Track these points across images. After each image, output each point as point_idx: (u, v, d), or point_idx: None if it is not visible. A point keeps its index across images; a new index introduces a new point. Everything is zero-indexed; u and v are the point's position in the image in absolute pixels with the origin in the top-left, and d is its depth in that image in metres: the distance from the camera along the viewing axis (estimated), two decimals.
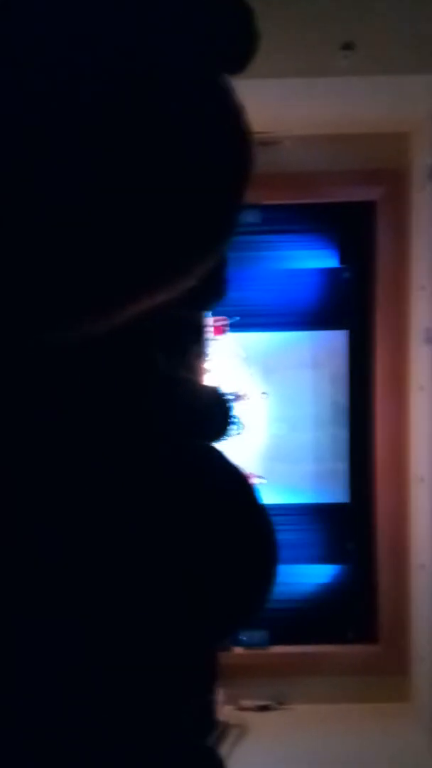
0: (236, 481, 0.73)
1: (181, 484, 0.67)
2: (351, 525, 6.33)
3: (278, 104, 4.59)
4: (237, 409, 5.71)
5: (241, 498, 0.72)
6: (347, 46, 4.20)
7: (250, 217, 5.57)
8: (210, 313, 5.49)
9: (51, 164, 0.42)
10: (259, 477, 5.98)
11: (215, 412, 1.08)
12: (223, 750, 4.96)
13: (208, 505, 0.67)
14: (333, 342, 6.28)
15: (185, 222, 0.49)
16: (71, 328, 0.50)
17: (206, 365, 5.42)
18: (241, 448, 5.90)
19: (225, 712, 5.53)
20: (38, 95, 0.42)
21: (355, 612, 6.27)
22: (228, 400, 1.30)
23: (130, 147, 0.44)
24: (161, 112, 0.46)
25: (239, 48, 0.54)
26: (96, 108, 0.43)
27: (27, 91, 0.42)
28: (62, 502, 0.60)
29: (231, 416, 1.21)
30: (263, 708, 5.88)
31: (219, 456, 0.74)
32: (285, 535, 6.14)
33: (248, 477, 0.75)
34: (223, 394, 1.29)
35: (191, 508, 0.65)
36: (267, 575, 0.70)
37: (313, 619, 6.18)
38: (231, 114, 0.51)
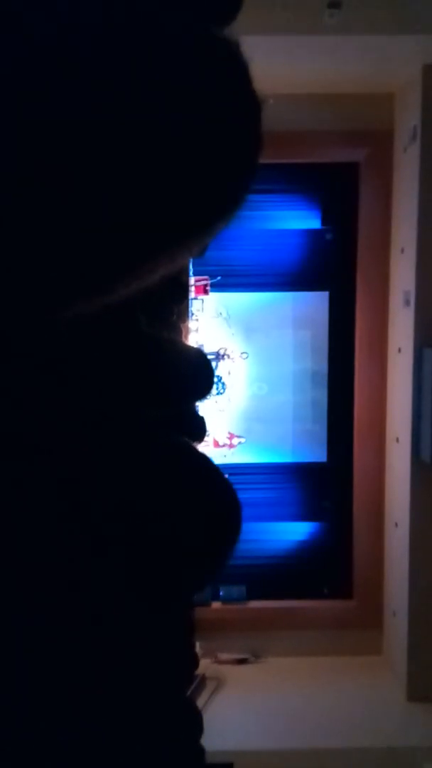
0: (203, 465, 0.77)
1: (155, 471, 0.71)
2: (328, 484, 6.41)
3: (263, 62, 4.46)
4: (219, 369, 5.73)
5: (208, 475, 0.76)
6: (334, 5, 4.15)
7: None
8: (192, 273, 5.48)
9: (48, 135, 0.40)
10: (239, 436, 6.04)
11: (198, 372, 1.10)
12: (201, 702, 5.08)
13: (179, 484, 0.72)
14: (314, 303, 6.29)
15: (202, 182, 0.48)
16: (82, 303, 0.49)
17: (188, 325, 5.43)
18: (221, 407, 5.94)
19: (203, 665, 5.63)
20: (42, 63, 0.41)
21: (331, 568, 6.37)
22: (211, 361, 1.32)
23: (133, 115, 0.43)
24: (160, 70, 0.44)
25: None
26: (96, 71, 0.42)
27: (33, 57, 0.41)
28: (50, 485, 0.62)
29: (214, 377, 1.24)
30: (240, 661, 5.96)
31: (189, 449, 0.78)
32: (264, 493, 6.22)
33: (213, 464, 0.79)
34: (205, 355, 1.31)
35: (164, 491, 0.70)
36: (232, 536, 0.75)
37: (290, 574, 6.27)
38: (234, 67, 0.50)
